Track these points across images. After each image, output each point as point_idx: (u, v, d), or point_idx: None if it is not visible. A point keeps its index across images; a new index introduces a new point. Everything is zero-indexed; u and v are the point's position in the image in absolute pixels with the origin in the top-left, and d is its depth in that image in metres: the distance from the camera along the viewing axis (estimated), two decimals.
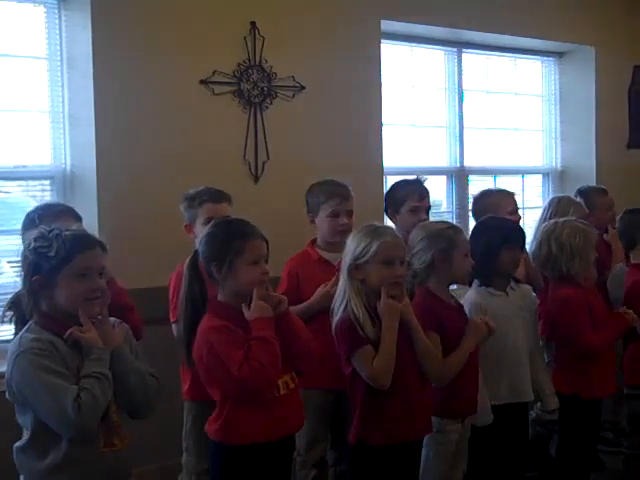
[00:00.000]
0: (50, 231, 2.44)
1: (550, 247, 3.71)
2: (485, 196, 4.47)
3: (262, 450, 2.70)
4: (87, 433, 2.36)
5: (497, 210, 4.09)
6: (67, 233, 2.44)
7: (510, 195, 4.47)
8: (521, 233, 3.69)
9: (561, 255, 3.68)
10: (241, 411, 2.70)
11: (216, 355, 2.64)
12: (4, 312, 2.50)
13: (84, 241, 2.46)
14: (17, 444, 2.48)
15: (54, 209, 3.33)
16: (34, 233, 2.48)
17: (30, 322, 2.45)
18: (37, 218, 3.22)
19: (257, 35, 4.56)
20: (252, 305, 2.69)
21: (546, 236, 3.74)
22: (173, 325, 3.43)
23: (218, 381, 2.70)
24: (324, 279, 3.50)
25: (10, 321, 2.53)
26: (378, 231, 3.03)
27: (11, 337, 3.03)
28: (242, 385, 2.62)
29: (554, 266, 3.72)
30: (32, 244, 2.43)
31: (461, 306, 3.37)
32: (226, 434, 2.74)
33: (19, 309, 2.47)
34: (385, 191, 4.54)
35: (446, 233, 3.28)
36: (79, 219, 3.30)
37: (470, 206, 4.63)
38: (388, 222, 4.13)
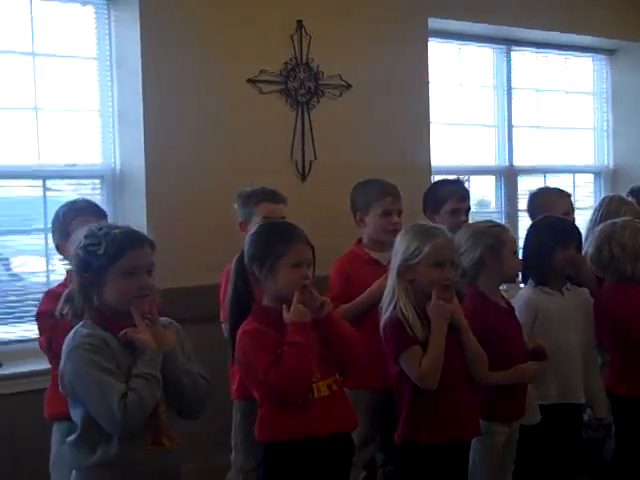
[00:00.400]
0: (100, 229, 2.45)
1: (611, 249, 3.64)
2: (541, 194, 4.40)
3: (302, 448, 2.68)
4: (131, 432, 2.36)
5: (552, 209, 4.02)
6: (116, 231, 2.45)
7: (567, 196, 4.41)
8: (576, 233, 3.63)
9: (624, 257, 3.62)
10: (276, 410, 2.70)
11: (247, 358, 2.67)
12: (61, 306, 2.51)
13: (133, 239, 2.46)
14: (69, 438, 2.48)
15: (77, 205, 3.32)
16: (84, 230, 2.49)
17: (84, 318, 2.46)
18: (62, 215, 3.25)
19: (304, 34, 4.55)
20: (291, 308, 2.68)
21: (605, 238, 3.68)
22: (223, 325, 3.43)
23: (251, 383, 2.74)
24: (375, 279, 3.46)
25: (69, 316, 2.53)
26: (430, 232, 3.00)
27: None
28: (268, 390, 2.64)
29: (616, 268, 3.65)
30: (82, 242, 2.44)
31: (512, 308, 3.32)
32: (265, 431, 2.74)
33: (74, 304, 2.48)
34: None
35: (492, 231, 3.27)
36: (103, 216, 3.28)
37: (520, 205, 4.55)
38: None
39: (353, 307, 3.49)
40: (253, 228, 3.43)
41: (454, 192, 4.01)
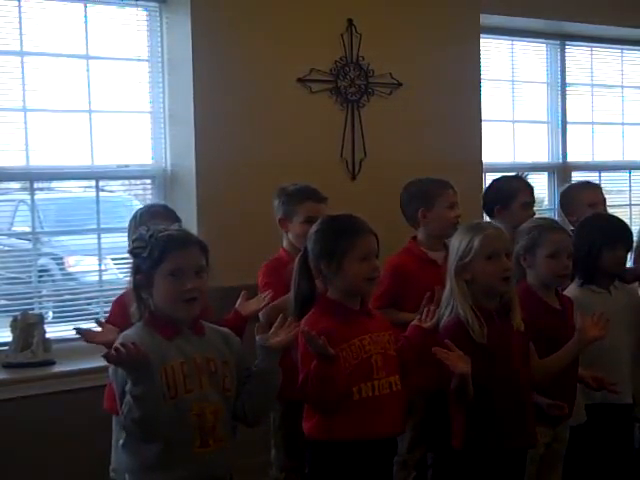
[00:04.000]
0: (148, 231, 2.45)
1: None
2: (566, 191, 4.35)
3: (352, 448, 2.68)
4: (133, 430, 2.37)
5: (578, 204, 3.98)
6: (161, 234, 2.43)
7: (593, 187, 4.34)
8: (625, 233, 3.55)
9: None
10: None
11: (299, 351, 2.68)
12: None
13: (177, 241, 2.42)
14: (121, 441, 2.49)
15: (151, 209, 3.39)
16: (135, 234, 2.50)
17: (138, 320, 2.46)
18: (138, 216, 3.29)
19: (354, 32, 4.55)
20: None
21: None
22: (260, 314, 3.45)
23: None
24: (430, 280, 3.30)
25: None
26: (478, 226, 2.98)
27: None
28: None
29: None
30: (131, 245, 2.46)
31: (563, 310, 3.23)
32: (317, 431, 2.74)
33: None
34: (485, 188, 4.46)
35: (530, 233, 3.20)
36: (176, 219, 3.31)
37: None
38: (487, 219, 4.07)
39: (396, 320, 3.46)
40: (301, 226, 3.46)
41: (524, 186, 4.03)
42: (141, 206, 3.47)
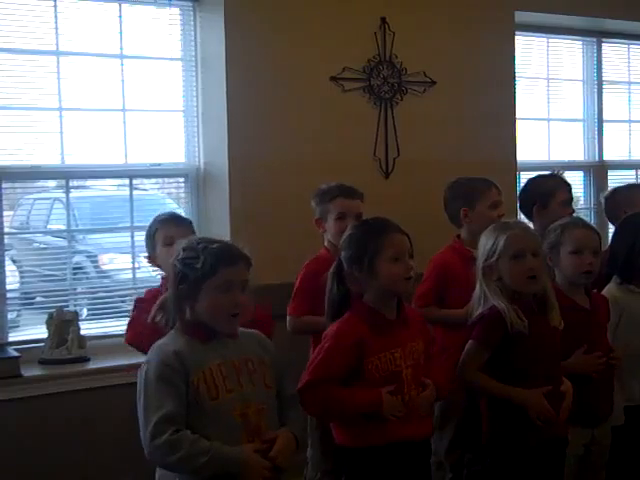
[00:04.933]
0: (199, 242, 2.45)
1: None
2: (616, 194, 4.26)
3: (384, 453, 2.64)
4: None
5: (633, 207, 3.89)
6: (214, 246, 2.43)
7: None
8: None
9: None
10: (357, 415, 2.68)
11: (320, 352, 2.65)
12: (154, 314, 2.52)
13: (229, 256, 2.43)
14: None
15: (160, 218, 3.32)
16: (184, 242, 2.49)
17: (174, 328, 2.47)
18: (149, 227, 3.28)
19: (387, 30, 4.53)
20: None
21: None
22: (289, 317, 3.45)
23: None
24: (474, 278, 3.21)
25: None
26: (505, 225, 2.96)
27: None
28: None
29: None
30: (180, 254, 2.45)
31: (593, 309, 3.18)
32: (346, 437, 2.72)
33: (166, 312, 2.49)
34: (521, 188, 4.40)
35: (554, 232, 3.17)
36: (186, 225, 3.30)
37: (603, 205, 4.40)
38: (523, 218, 4.04)
39: (441, 317, 3.48)
40: (333, 226, 3.48)
41: (561, 183, 3.99)
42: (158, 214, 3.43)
